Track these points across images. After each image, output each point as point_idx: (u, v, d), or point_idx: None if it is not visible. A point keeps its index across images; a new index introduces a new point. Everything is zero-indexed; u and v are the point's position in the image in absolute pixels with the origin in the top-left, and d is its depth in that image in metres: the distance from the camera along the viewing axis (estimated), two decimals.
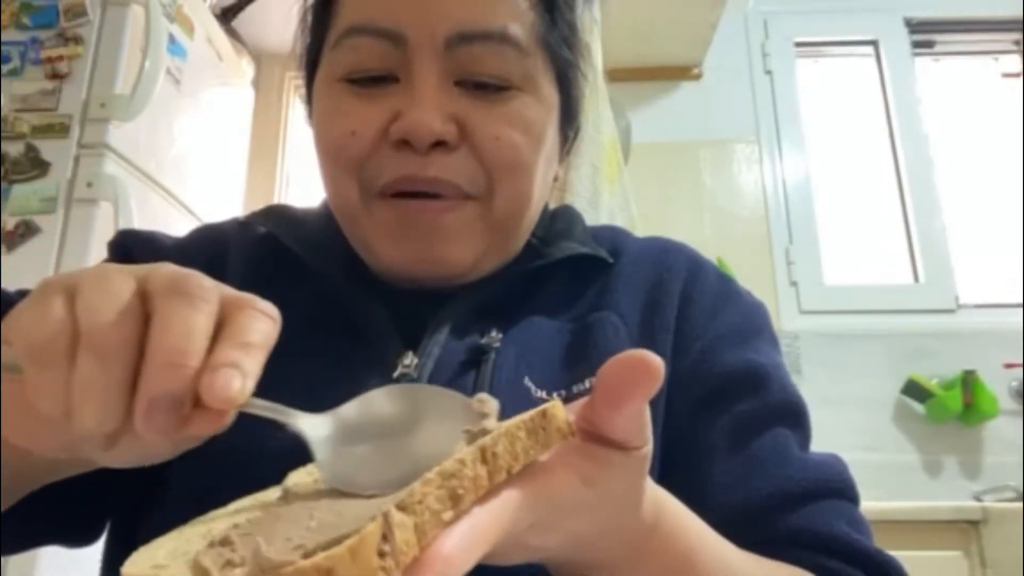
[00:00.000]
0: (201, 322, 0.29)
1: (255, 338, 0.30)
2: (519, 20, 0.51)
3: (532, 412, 0.28)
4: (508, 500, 0.27)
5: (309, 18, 0.57)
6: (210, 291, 0.30)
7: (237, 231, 0.61)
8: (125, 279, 0.30)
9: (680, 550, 0.36)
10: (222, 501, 0.32)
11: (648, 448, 0.31)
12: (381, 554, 0.21)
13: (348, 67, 0.51)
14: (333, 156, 0.51)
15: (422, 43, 0.49)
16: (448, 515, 0.24)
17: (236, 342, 0.30)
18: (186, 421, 0.29)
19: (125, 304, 0.29)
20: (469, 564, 0.24)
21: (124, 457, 0.32)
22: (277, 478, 0.33)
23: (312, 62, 0.57)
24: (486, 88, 0.50)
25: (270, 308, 0.32)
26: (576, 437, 0.30)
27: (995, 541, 1.72)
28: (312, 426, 0.31)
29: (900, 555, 0.48)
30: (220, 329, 0.30)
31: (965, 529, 1.76)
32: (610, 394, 0.28)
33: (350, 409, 0.33)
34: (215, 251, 0.59)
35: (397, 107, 0.49)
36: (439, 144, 0.48)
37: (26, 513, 0.49)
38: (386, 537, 0.21)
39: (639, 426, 0.30)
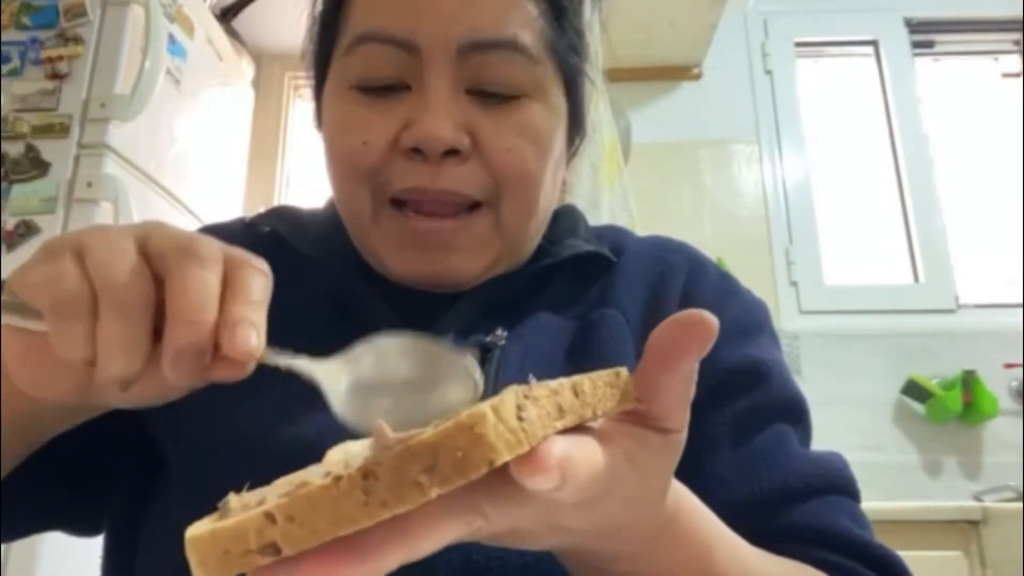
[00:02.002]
0: (213, 282, 0.32)
1: (258, 295, 0.34)
2: (529, 28, 0.51)
3: (605, 370, 0.27)
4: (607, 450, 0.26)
5: (318, 24, 0.57)
6: (216, 251, 0.34)
7: (241, 231, 0.62)
8: (128, 239, 0.33)
9: (697, 545, 0.35)
10: (226, 493, 0.33)
11: (683, 436, 0.31)
12: (520, 418, 0.21)
13: (359, 75, 0.51)
14: (344, 166, 0.51)
15: (434, 51, 0.49)
16: (558, 423, 0.23)
17: (245, 299, 0.33)
18: (208, 368, 0.33)
19: (135, 263, 0.32)
20: (581, 475, 0.24)
21: (140, 397, 0.35)
22: (282, 469, 0.34)
23: (321, 67, 0.57)
24: (497, 97, 0.50)
25: (263, 264, 0.35)
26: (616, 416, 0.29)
27: (995, 541, 1.72)
28: (328, 376, 0.35)
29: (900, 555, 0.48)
30: (226, 285, 0.33)
31: (965, 529, 1.76)
32: (663, 352, 0.28)
33: (363, 360, 0.35)
34: None
35: (408, 116, 0.49)
36: (451, 153, 0.48)
37: (26, 497, 0.49)
38: (521, 409, 0.21)
39: (682, 402, 0.29)
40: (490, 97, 0.50)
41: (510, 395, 0.21)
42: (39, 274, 0.32)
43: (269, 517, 0.22)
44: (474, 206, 0.51)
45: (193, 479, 0.47)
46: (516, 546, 0.30)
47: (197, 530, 0.23)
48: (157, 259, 0.33)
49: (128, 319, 0.31)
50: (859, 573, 0.46)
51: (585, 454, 0.25)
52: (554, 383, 0.24)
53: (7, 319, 0.33)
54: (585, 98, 0.58)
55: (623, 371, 0.28)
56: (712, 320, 0.27)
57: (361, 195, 0.51)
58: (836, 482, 0.50)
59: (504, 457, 0.20)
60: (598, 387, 0.26)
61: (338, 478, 0.21)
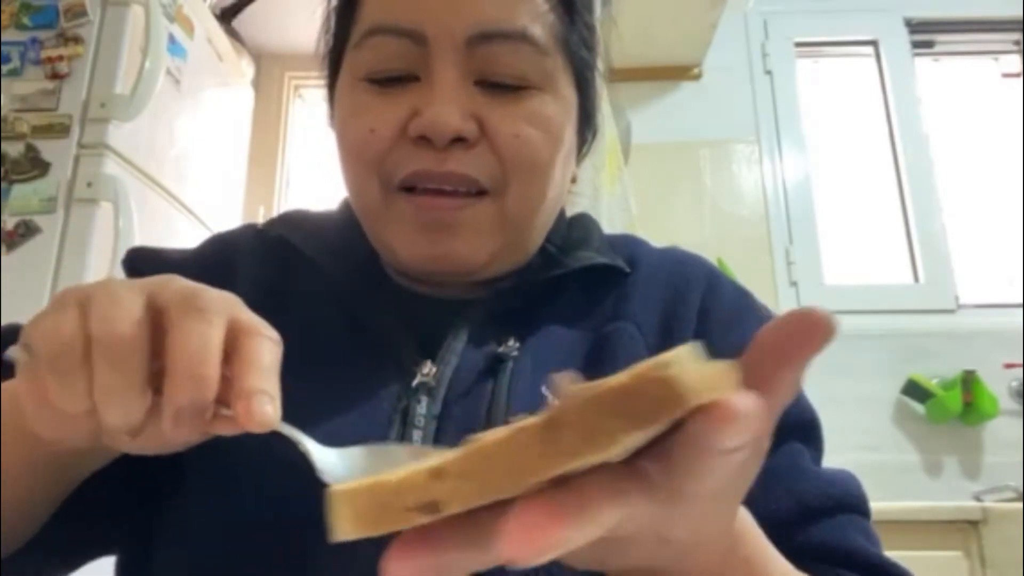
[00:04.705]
0: (214, 338, 0.32)
1: (269, 362, 0.33)
2: (539, 20, 0.51)
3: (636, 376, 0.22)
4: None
5: (332, 20, 0.58)
6: (220, 305, 0.33)
7: (251, 238, 0.61)
8: (134, 293, 0.33)
9: (759, 570, 0.34)
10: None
11: (766, 446, 0.28)
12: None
13: (369, 66, 0.52)
14: (354, 154, 0.52)
15: (443, 42, 0.49)
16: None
17: (257, 367, 0.32)
18: (211, 424, 0.33)
19: (135, 315, 0.32)
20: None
21: (148, 446, 0.35)
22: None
23: (334, 64, 0.57)
24: (505, 87, 0.51)
25: (272, 331, 0.35)
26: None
27: (995, 541, 1.72)
28: (322, 457, 0.35)
29: (900, 555, 0.48)
30: (235, 351, 0.33)
31: (965, 529, 1.76)
32: (780, 347, 0.26)
33: (357, 453, 0.36)
34: (224, 261, 0.59)
35: (416, 105, 0.49)
36: (458, 140, 0.49)
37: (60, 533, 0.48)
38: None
39: (775, 415, 0.27)
40: (498, 88, 0.51)
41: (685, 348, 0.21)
42: (42, 326, 0.32)
43: (436, 473, 0.21)
44: (480, 193, 0.51)
45: (209, 502, 0.47)
46: (605, 565, 0.29)
47: (349, 484, 0.23)
48: (161, 313, 0.32)
49: (119, 371, 0.31)
50: None
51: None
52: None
53: (22, 369, 0.33)
54: (596, 93, 0.58)
55: (672, 373, 0.25)
56: (833, 316, 0.25)
57: (370, 183, 0.51)
58: (850, 501, 0.49)
59: (700, 398, 0.19)
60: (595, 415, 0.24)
61: (518, 430, 0.20)
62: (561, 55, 0.53)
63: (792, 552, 0.44)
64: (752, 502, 0.47)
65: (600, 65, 0.58)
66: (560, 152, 0.53)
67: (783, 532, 0.46)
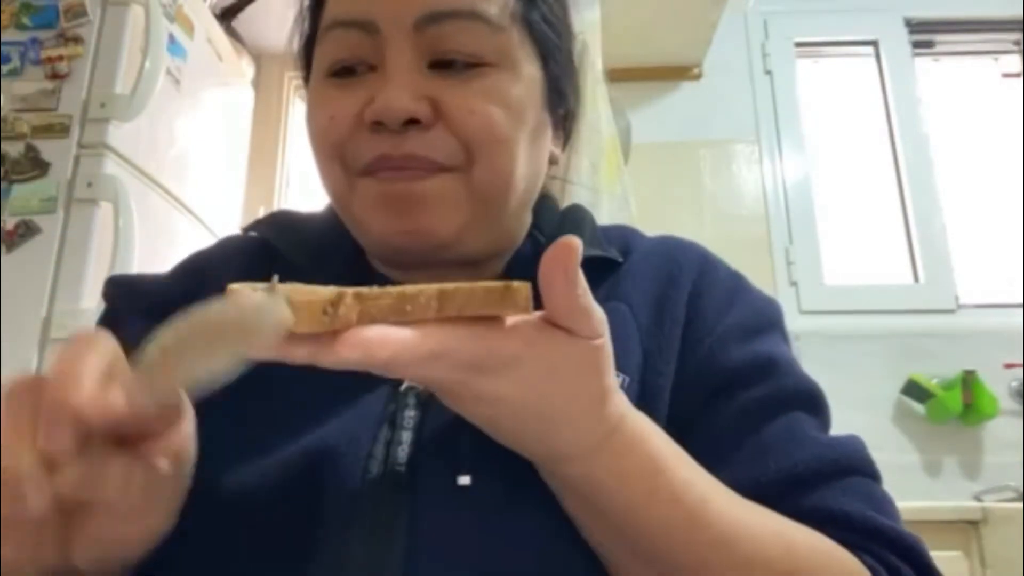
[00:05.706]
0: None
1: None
2: None
3: (499, 283, 0.33)
4: (450, 328, 0.32)
5: (304, 20, 0.59)
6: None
7: (231, 247, 0.61)
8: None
9: (642, 459, 0.39)
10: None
11: (601, 341, 0.36)
12: (325, 312, 0.28)
13: (330, 61, 0.53)
14: (316, 144, 0.53)
15: (392, 29, 0.50)
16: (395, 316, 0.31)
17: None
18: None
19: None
20: (385, 357, 0.29)
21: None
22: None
23: (307, 62, 0.58)
24: (459, 66, 0.51)
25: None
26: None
27: (995, 541, 1.72)
28: None
29: None
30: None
31: (965, 529, 1.76)
32: (544, 280, 0.34)
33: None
34: (193, 280, 0.58)
35: (372, 92, 0.50)
36: (413, 123, 0.49)
37: None
38: (335, 304, 0.28)
39: (585, 315, 0.35)
40: (452, 68, 0.51)
41: (330, 293, 0.29)
42: None
43: (358, 296, 0.30)
44: (442, 171, 0.51)
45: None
46: (458, 408, 0.37)
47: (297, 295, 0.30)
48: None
49: None
50: (871, 551, 0.45)
51: (401, 334, 0.30)
52: (425, 287, 0.31)
53: None
54: (566, 71, 0.58)
55: (516, 285, 0.33)
56: (572, 240, 0.33)
57: (334, 170, 0.53)
58: (850, 463, 0.49)
59: (301, 328, 0.29)
60: (475, 297, 0.32)
61: (422, 293, 0.31)
62: (519, 31, 0.53)
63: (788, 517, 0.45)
64: (746, 474, 0.47)
65: (573, 41, 0.58)
66: (522, 128, 0.52)
67: (774, 501, 0.46)
